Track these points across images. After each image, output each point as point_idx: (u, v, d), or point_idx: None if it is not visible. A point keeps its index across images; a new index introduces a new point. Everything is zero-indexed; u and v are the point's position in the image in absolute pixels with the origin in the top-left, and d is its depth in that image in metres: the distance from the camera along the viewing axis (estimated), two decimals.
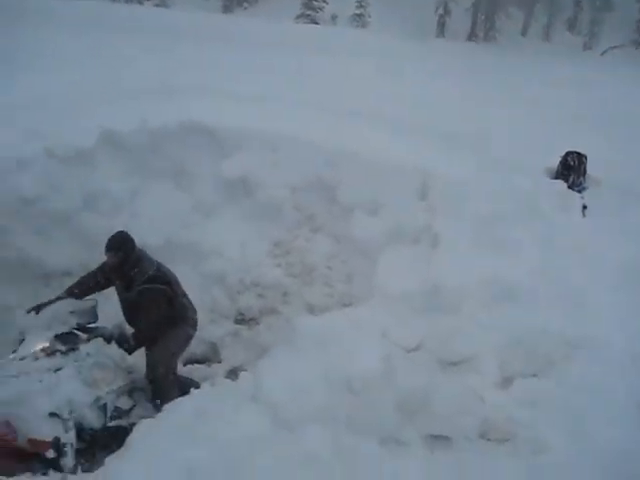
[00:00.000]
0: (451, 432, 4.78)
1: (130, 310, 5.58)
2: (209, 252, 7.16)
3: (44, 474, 4.53)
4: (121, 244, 5.45)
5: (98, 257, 5.71)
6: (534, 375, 5.16)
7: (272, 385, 4.71)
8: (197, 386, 5.30)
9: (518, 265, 6.05)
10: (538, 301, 5.72)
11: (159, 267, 5.60)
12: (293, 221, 7.62)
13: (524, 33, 28.26)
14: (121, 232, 5.57)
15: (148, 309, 5.42)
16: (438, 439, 4.78)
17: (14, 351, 5.15)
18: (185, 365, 6.38)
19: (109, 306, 5.73)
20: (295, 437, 4.43)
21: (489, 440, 4.75)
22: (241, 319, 7.15)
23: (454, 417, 4.77)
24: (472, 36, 22.93)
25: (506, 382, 5.11)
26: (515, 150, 9.13)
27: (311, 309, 7.08)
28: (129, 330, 5.62)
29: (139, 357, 5.61)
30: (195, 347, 6.18)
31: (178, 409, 4.64)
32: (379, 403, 4.75)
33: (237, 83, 10.33)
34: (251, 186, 7.61)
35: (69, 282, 5.85)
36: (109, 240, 5.45)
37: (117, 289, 5.62)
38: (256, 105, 8.94)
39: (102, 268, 5.65)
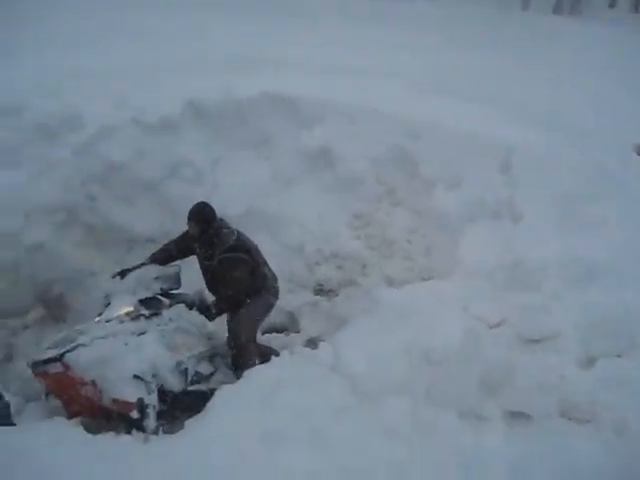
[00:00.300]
0: (531, 409, 4.70)
1: (211, 278, 5.66)
2: (289, 222, 7.18)
3: (127, 433, 4.67)
4: (202, 214, 5.52)
5: (180, 225, 5.81)
6: (618, 356, 5.01)
7: (352, 356, 4.72)
8: (276, 354, 5.39)
9: (602, 243, 5.87)
10: (622, 280, 5.53)
11: (239, 236, 5.65)
12: (373, 194, 7.57)
13: (612, 5, 27.01)
14: (202, 202, 5.64)
15: (229, 278, 5.48)
16: (518, 416, 4.72)
17: (100, 314, 5.30)
18: (264, 334, 6.45)
19: (191, 273, 5.82)
20: (375, 408, 4.44)
21: (570, 420, 4.66)
22: (319, 290, 7.17)
23: (535, 395, 4.69)
24: (558, 9, 22.07)
25: (589, 362, 4.98)
26: (601, 125, 8.82)
27: (390, 282, 7.05)
28: (210, 297, 5.73)
29: (220, 324, 5.71)
30: (274, 316, 6.23)
31: (258, 376, 4.71)
32: (459, 377, 4.72)
33: (315, 56, 10.26)
34: (332, 157, 7.58)
35: (152, 249, 5.98)
36: (191, 210, 5.53)
37: (198, 257, 5.71)
38: (337, 77, 8.89)
39: (184, 236, 5.74)
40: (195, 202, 5.64)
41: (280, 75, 8.54)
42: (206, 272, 5.69)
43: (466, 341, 4.91)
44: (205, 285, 5.80)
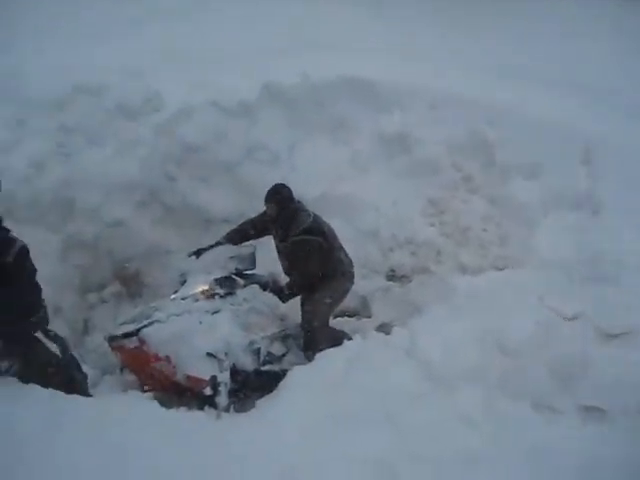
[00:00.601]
0: (607, 405, 4.55)
1: (286, 260, 5.68)
2: (364, 207, 7.12)
3: (200, 409, 4.73)
4: (280, 196, 5.53)
5: (256, 206, 5.85)
6: None
7: (426, 342, 4.68)
8: (349, 338, 5.37)
9: None
10: None
11: (315, 219, 5.65)
12: (450, 180, 7.45)
13: None
14: (280, 184, 5.65)
15: (303, 259, 5.49)
16: (592, 410, 4.57)
17: (175, 292, 5.39)
18: (335, 317, 6.44)
19: (266, 254, 5.86)
20: (448, 395, 4.39)
21: None
22: (392, 275, 7.10)
23: (611, 390, 4.52)
24: None
25: None
26: None
27: (464, 270, 6.93)
28: (284, 279, 5.75)
29: (292, 306, 5.73)
30: (347, 300, 6.21)
31: (331, 359, 4.70)
32: (533, 367, 4.61)
33: (392, 39, 10.14)
34: (409, 142, 7.48)
35: (228, 229, 6.01)
36: (269, 191, 5.55)
37: (274, 238, 5.74)
38: (417, 61, 8.78)
39: (262, 217, 5.77)
40: (272, 184, 5.65)
41: (358, 59, 8.46)
42: (281, 253, 5.72)
43: (540, 332, 4.82)
44: (280, 266, 5.82)
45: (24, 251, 3.75)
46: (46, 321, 4.27)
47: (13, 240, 3.70)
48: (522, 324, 4.88)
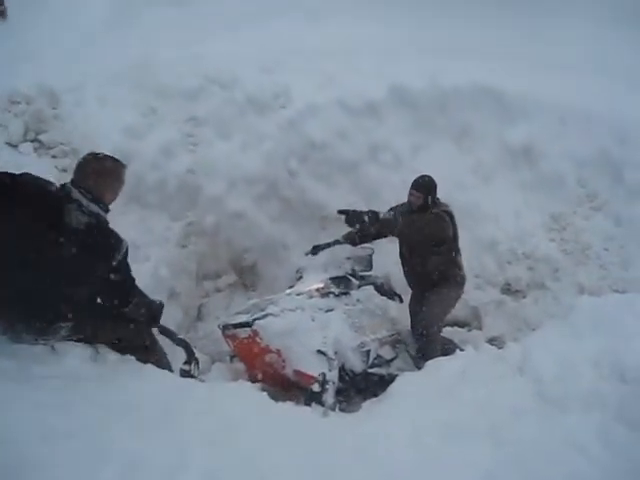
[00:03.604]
0: None
1: (417, 235, 5.54)
2: (483, 217, 7.03)
3: (306, 405, 4.75)
4: (430, 186, 5.57)
5: (374, 206, 5.77)
6: None
7: (540, 360, 4.52)
8: (460, 349, 5.28)
9: None
10: None
11: (453, 212, 5.66)
12: (573, 196, 7.27)
13: None
14: (428, 175, 5.65)
15: (435, 232, 5.45)
16: None
17: (291, 287, 5.44)
18: (445, 326, 6.37)
19: (383, 257, 5.84)
20: (559, 416, 4.23)
21: None
22: (507, 289, 6.96)
23: None
24: None
25: None
26: None
27: (581, 289, 6.75)
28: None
29: (404, 310, 5.69)
30: (458, 310, 6.12)
31: (441, 368, 4.62)
32: None
33: (521, 46, 9.88)
34: (534, 155, 7.37)
35: (344, 229, 6.01)
36: (418, 181, 5.58)
37: (400, 226, 5.54)
38: (544, 71, 8.52)
39: (386, 214, 5.70)
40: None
41: (486, 66, 8.27)
42: (407, 234, 5.60)
43: None
44: (400, 259, 5.80)
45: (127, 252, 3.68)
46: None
47: (121, 241, 3.62)
48: None
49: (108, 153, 3.87)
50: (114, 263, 3.56)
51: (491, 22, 11.73)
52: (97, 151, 3.92)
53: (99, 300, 3.71)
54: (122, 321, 3.88)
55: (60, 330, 3.58)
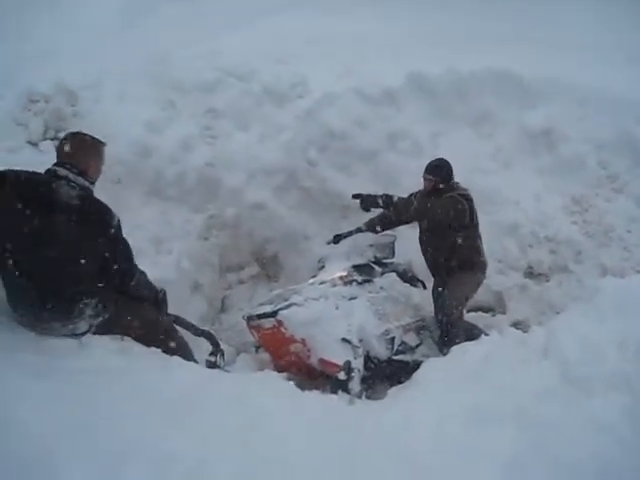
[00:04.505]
0: None
1: (433, 219, 5.55)
2: (504, 201, 7.00)
3: (333, 393, 4.75)
4: (445, 169, 5.57)
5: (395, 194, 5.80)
6: None
7: (565, 342, 4.48)
8: (485, 334, 5.26)
9: None
10: None
11: (470, 195, 5.62)
12: (594, 178, 7.24)
13: None
14: (444, 159, 5.67)
15: (450, 213, 5.38)
16: None
17: (314, 276, 5.44)
18: (469, 312, 6.34)
19: (405, 244, 5.83)
20: (585, 399, 4.21)
21: None
22: (530, 273, 6.92)
23: None
24: None
25: None
26: None
27: (604, 271, 6.70)
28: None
29: (428, 296, 5.68)
30: (481, 295, 6.10)
31: (466, 353, 4.61)
32: None
33: (537, 29, 9.80)
34: (554, 139, 7.35)
35: (365, 217, 6.00)
36: (432, 163, 5.61)
37: (416, 210, 5.56)
38: (564, 54, 8.46)
39: (407, 200, 5.72)
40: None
41: (503, 51, 8.23)
42: (423, 216, 5.61)
43: None
44: (420, 245, 5.79)
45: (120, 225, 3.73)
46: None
47: (111, 210, 3.68)
48: None
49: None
50: (112, 231, 3.64)
51: (504, 9, 11.66)
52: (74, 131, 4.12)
53: (104, 276, 3.76)
54: (135, 300, 3.96)
55: (85, 309, 3.67)
